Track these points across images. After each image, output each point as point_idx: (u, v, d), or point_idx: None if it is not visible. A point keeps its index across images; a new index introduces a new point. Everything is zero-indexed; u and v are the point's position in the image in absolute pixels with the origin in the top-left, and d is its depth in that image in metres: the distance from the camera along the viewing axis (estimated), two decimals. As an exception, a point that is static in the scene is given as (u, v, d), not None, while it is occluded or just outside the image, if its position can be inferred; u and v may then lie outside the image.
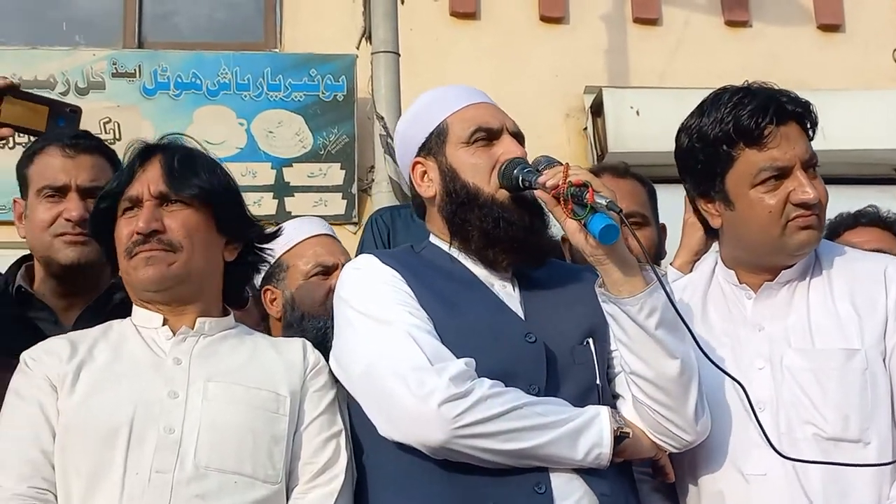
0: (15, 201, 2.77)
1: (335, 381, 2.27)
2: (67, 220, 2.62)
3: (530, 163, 2.19)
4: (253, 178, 6.70)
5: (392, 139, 5.27)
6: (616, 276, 2.05)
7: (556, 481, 2.04)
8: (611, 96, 7.09)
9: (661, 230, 3.13)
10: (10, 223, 2.80)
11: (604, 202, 1.98)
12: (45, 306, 2.68)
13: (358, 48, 6.19)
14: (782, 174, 2.24)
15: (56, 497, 2.05)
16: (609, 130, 6.98)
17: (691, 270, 2.78)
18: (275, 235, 2.49)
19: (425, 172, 2.31)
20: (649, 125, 6.87)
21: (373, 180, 6.45)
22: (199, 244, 2.23)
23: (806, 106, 2.30)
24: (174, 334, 2.22)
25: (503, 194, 2.19)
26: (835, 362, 2.19)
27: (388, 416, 2.08)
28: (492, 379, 2.05)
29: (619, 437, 2.07)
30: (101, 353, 2.19)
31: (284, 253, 2.80)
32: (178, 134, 2.40)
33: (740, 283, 2.37)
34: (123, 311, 2.46)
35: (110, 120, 6.78)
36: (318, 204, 6.89)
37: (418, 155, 2.32)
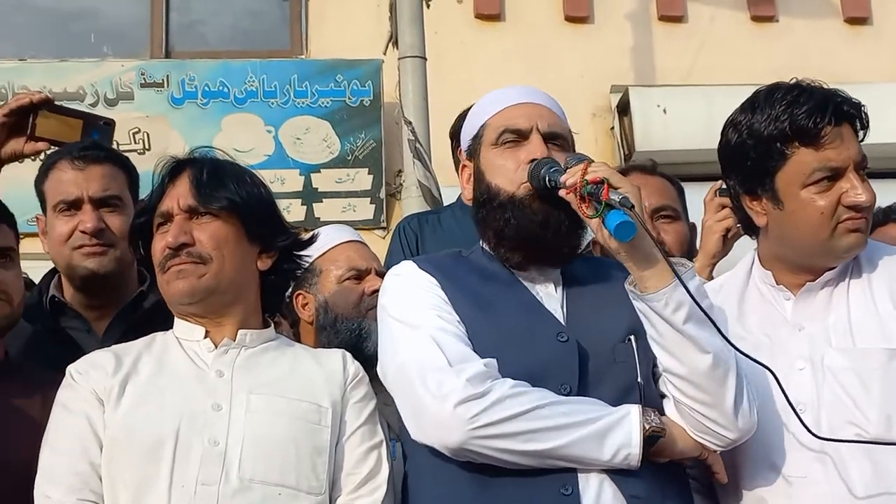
0: (37, 218, 2.81)
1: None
2: (83, 232, 2.65)
3: (561, 162, 2.18)
4: (281, 184, 6.74)
5: (421, 143, 5.29)
6: (641, 272, 2.04)
7: (585, 483, 2.01)
8: (637, 95, 7.08)
9: (692, 229, 3.12)
10: (37, 234, 2.83)
11: (617, 199, 1.97)
12: (77, 315, 2.71)
13: (385, 53, 6.21)
14: (835, 175, 2.20)
15: None
16: (636, 129, 6.97)
17: (710, 276, 2.76)
18: (310, 242, 2.50)
19: (470, 175, 2.34)
20: (676, 123, 6.86)
21: (401, 184, 6.46)
22: (230, 255, 2.24)
23: (858, 107, 2.26)
24: (216, 346, 2.24)
25: (524, 191, 2.17)
26: (877, 362, 2.16)
27: (413, 418, 2.09)
28: (523, 379, 2.05)
29: (653, 437, 2.03)
30: (145, 366, 2.21)
31: (317, 258, 2.82)
32: (208, 147, 2.42)
33: (777, 283, 2.35)
34: (153, 317, 2.51)
35: (139, 130, 6.84)
36: (346, 209, 6.91)
37: (466, 158, 2.37)
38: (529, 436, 1.99)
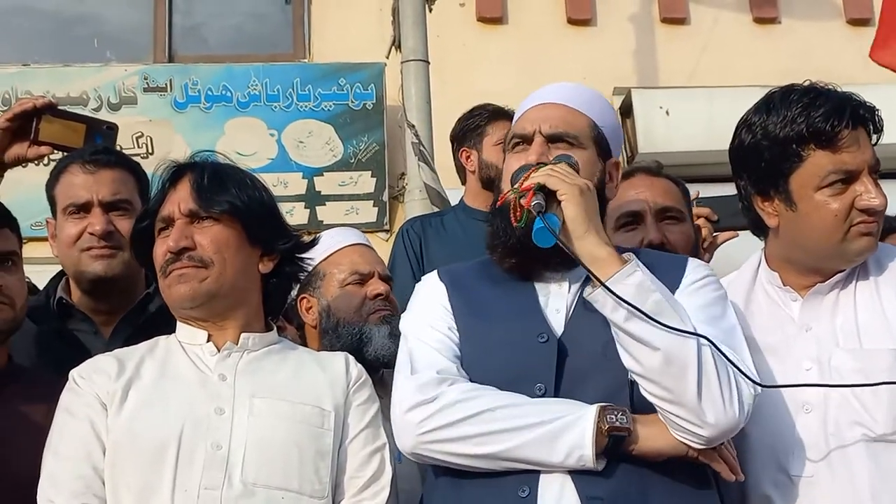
0: (47, 221, 2.81)
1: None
2: (92, 234, 2.65)
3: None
4: (284, 188, 6.74)
5: (424, 146, 5.29)
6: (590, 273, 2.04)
7: (545, 484, 2.00)
8: (640, 97, 7.08)
9: (697, 230, 3.11)
10: (45, 239, 2.84)
11: (534, 208, 2.00)
12: (85, 317, 2.72)
13: (387, 57, 6.21)
14: (849, 178, 2.20)
15: None
16: (639, 131, 6.97)
17: None
18: (311, 245, 2.50)
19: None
20: (679, 125, 6.86)
21: (404, 187, 6.47)
22: (231, 259, 2.24)
23: (873, 111, 2.26)
24: (218, 350, 2.24)
25: (511, 198, 2.16)
26: (884, 363, 2.15)
27: None
28: (501, 381, 2.07)
29: (617, 438, 1.98)
30: (147, 370, 2.21)
31: (321, 262, 2.82)
32: (210, 151, 2.42)
33: (784, 285, 2.34)
34: (158, 320, 2.51)
35: (143, 134, 6.85)
36: (349, 212, 6.92)
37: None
38: (479, 439, 2.01)
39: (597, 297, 2.01)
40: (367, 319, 2.79)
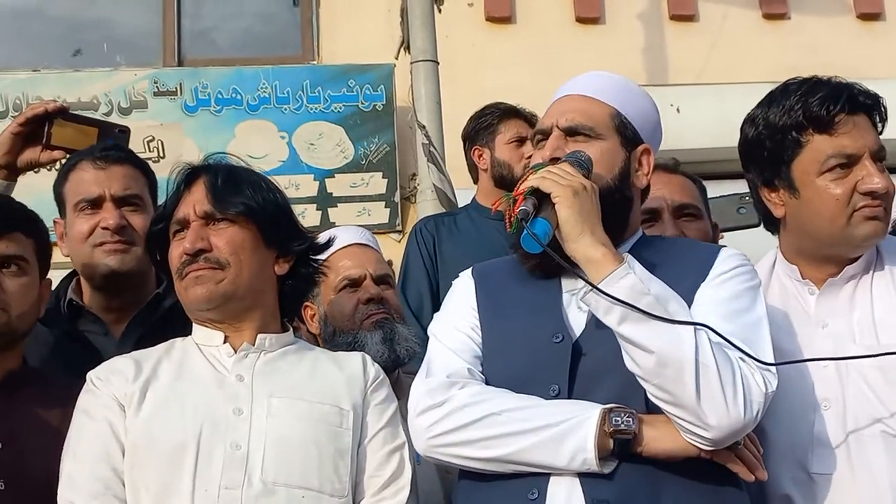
0: (55, 222, 2.78)
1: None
2: (105, 228, 2.64)
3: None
4: (296, 190, 6.74)
5: (435, 147, 5.29)
6: (587, 276, 2.01)
7: (554, 486, 2.00)
8: (650, 94, 7.05)
9: (714, 227, 3.11)
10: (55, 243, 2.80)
11: (519, 213, 1.99)
12: (96, 318, 2.71)
13: (397, 58, 6.21)
14: (850, 162, 2.21)
15: None
16: (650, 129, 6.95)
17: None
18: (327, 246, 2.50)
19: None
20: (689, 122, 6.83)
21: (415, 188, 6.47)
22: (247, 260, 2.25)
23: (876, 98, 2.28)
24: (235, 351, 2.25)
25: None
26: None
27: None
28: (513, 381, 2.08)
29: (623, 441, 1.96)
30: (165, 372, 2.22)
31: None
32: (222, 153, 2.42)
33: (803, 278, 2.34)
34: (169, 320, 2.52)
35: (153, 138, 6.85)
36: (361, 213, 6.91)
37: None
38: (486, 443, 2.02)
39: (590, 300, 2.00)
40: (360, 325, 2.76)
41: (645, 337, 1.94)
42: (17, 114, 2.80)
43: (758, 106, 2.34)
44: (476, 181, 4.14)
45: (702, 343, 1.95)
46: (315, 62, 7.39)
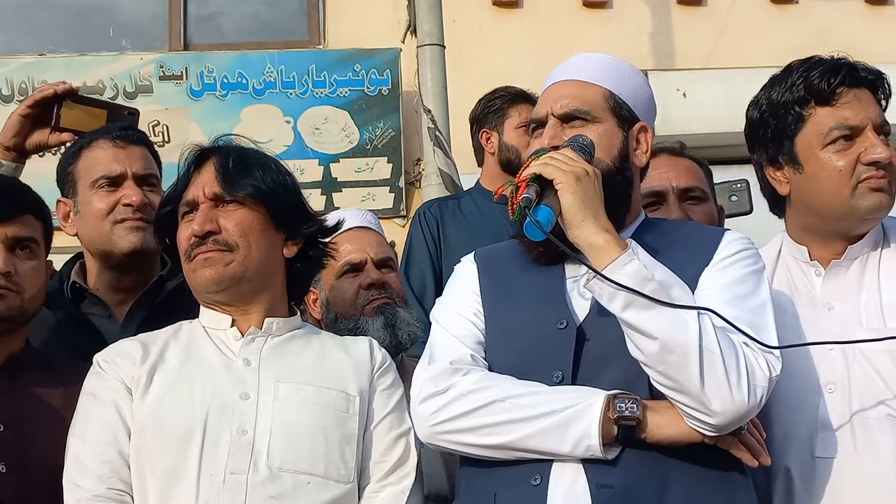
0: (60, 202, 2.75)
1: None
2: (127, 205, 2.62)
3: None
4: (301, 174, 6.70)
5: (440, 131, 5.28)
6: (591, 262, 2.00)
7: (557, 472, 2.00)
8: (657, 79, 7.02)
9: (720, 211, 3.10)
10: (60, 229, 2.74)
11: (521, 200, 1.98)
12: (99, 300, 2.70)
13: (403, 42, 6.20)
14: (853, 134, 2.22)
15: (133, 498, 2.08)
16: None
17: None
18: (336, 229, 2.49)
19: None
20: (696, 107, 6.83)
21: (420, 173, 6.46)
22: (256, 242, 2.23)
23: (879, 75, 2.29)
24: (242, 335, 2.24)
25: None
26: None
27: None
28: (517, 367, 2.07)
29: (627, 427, 1.96)
30: (172, 356, 2.22)
31: None
32: (232, 135, 2.41)
33: (811, 259, 2.33)
34: (172, 303, 2.53)
35: (159, 123, 6.86)
36: (366, 198, 6.92)
37: None
38: (489, 429, 2.01)
39: (594, 286, 1.99)
40: (362, 311, 2.75)
41: (649, 323, 1.94)
42: (23, 98, 2.80)
43: (761, 89, 2.35)
44: (481, 164, 4.13)
45: (706, 328, 1.94)
46: (321, 46, 7.39)
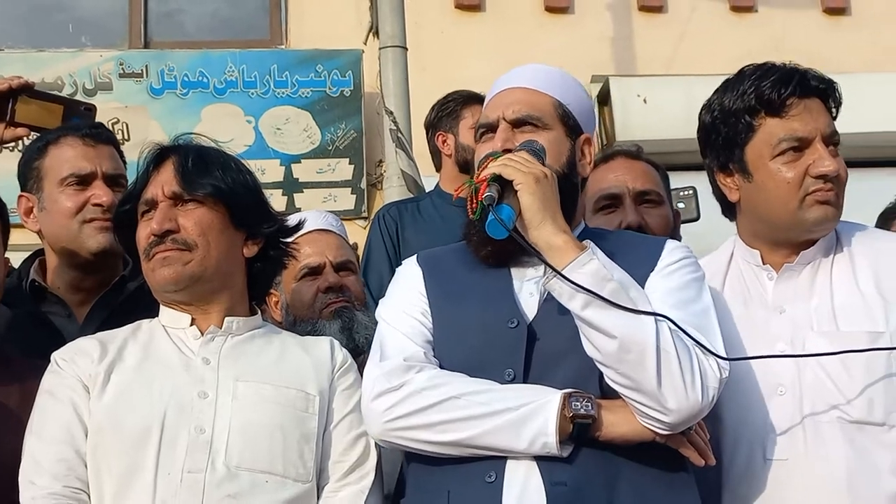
0: (22, 196, 2.72)
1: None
2: (97, 205, 2.61)
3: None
4: (262, 175, 6.59)
5: (402, 133, 5.28)
6: (550, 262, 2.03)
7: (511, 469, 2.02)
8: (617, 85, 7.08)
9: (676, 215, 3.13)
10: (21, 226, 2.73)
11: (484, 198, 2.00)
12: (58, 300, 2.68)
13: (365, 43, 6.19)
14: (802, 146, 2.25)
15: (89, 497, 2.07)
16: (616, 119, 6.98)
17: None
18: (297, 229, 2.49)
19: None
20: (656, 113, 6.87)
21: (382, 175, 6.47)
22: (215, 242, 2.23)
23: (830, 84, 2.31)
24: (202, 334, 2.24)
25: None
26: (860, 345, 2.17)
27: None
28: (468, 367, 2.09)
29: (582, 425, 1.99)
30: (130, 354, 2.21)
31: None
32: (192, 133, 2.40)
33: (763, 263, 2.36)
34: (133, 303, 2.51)
35: (118, 120, 6.79)
36: (327, 199, 6.90)
37: None
38: (445, 426, 2.03)
39: (553, 285, 2.01)
40: (319, 314, 2.76)
41: (609, 322, 1.97)
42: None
43: (714, 92, 2.38)
44: (439, 168, 4.15)
45: (662, 329, 1.99)
46: (283, 46, 7.37)
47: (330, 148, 7.01)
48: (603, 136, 7.15)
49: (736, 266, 2.41)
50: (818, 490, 2.14)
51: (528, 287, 2.19)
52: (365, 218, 6.82)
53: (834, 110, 2.32)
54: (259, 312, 2.39)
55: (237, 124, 6.93)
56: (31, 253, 2.79)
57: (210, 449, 2.07)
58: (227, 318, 2.26)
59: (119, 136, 6.60)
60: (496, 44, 7.18)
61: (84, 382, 2.15)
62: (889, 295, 2.21)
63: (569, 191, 2.19)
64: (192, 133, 2.41)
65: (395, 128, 5.29)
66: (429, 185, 4.58)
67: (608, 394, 2.05)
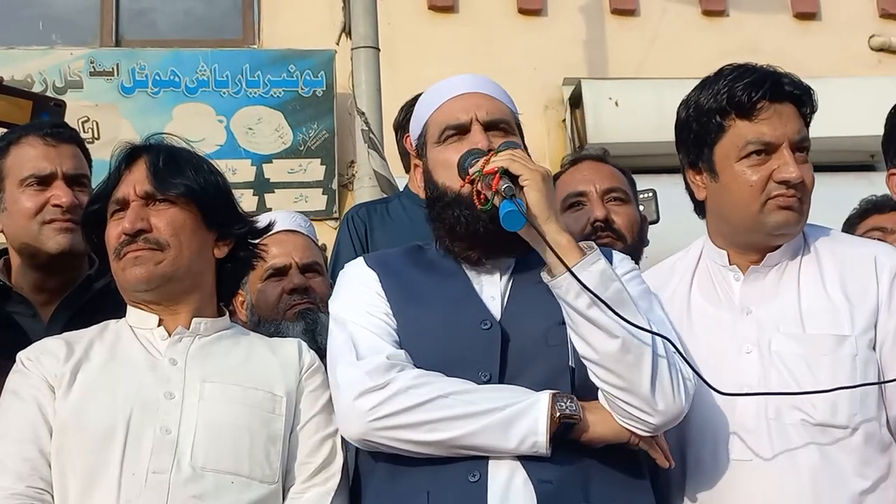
0: None
1: None
2: (56, 206, 2.59)
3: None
4: (233, 174, 6.69)
5: (374, 134, 5.28)
6: (551, 259, 2.05)
7: (494, 469, 2.02)
8: (589, 87, 7.11)
9: (643, 220, 3.16)
10: None
11: (503, 188, 2.01)
12: (23, 299, 2.65)
13: (338, 44, 6.19)
14: (769, 150, 2.26)
15: (53, 497, 2.05)
16: (588, 121, 7.01)
17: None
18: (266, 231, 2.49)
19: (422, 174, 2.34)
20: (628, 116, 6.90)
21: (353, 175, 6.45)
22: (187, 242, 2.23)
23: (806, 90, 2.32)
24: (169, 335, 2.23)
25: (468, 189, 2.17)
26: (826, 348, 2.19)
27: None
28: (443, 368, 2.08)
29: (567, 423, 2.02)
30: (96, 354, 2.19)
31: None
32: (164, 133, 2.40)
33: (731, 263, 2.37)
34: (99, 304, 2.49)
35: (89, 119, 6.76)
36: (298, 200, 6.89)
37: (416, 157, 2.38)
38: (431, 426, 2.02)
39: (560, 283, 2.03)
40: (283, 315, 2.76)
41: (613, 322, 2.00)
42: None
43: (693, 89, 2.39)
44: (408, 170, 4.14)
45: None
46: (255, 46, 7.35)
47: (302, 148, 7.00)
48: (575, 139, 7.18)
49: (704, 265, 2.43)
50: (782, 491, 2.15)
51: (488, 290, 2.21)
52: (336, 219, 6.81)
53: (808, 117, 2.33)
54: (227, 313, 2.38)
55: (209, 124, 6.91)
56: None
57: (176, 449, 2.06)
58: (194, 319, 2.25)
59: (89, 135, 6.63)
60: (469, 45, 7.19)
61: (49, 382, 2.13)
62: (854, 298, 2.23)
63: None
64: (163, 133, 2.41)
65: (366, 128, 5.29)
66: (402, 185, 4.58)
67: (578, 396, 2.07)
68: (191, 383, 2.15)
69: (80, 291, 2.67)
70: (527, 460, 2.02)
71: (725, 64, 2.36)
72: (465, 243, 2.22)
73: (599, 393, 2.08)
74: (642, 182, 3.39)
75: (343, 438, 2.21)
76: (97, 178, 2.43)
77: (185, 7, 7.64)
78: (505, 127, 2.26)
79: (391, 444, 2.05)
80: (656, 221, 3.57)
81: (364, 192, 5.44)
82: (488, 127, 2.24)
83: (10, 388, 2.16)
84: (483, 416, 2.01)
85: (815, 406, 2.17)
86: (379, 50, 5.67)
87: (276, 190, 6.93)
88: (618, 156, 3.60)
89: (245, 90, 7.03)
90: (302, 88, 7.06)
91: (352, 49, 5.70)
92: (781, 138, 2.25)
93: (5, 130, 2.75)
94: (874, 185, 2.85)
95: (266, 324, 2.75)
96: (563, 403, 2.02)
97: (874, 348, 2.21)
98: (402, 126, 4.11)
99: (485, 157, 2.12)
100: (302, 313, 2.76)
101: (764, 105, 2.25)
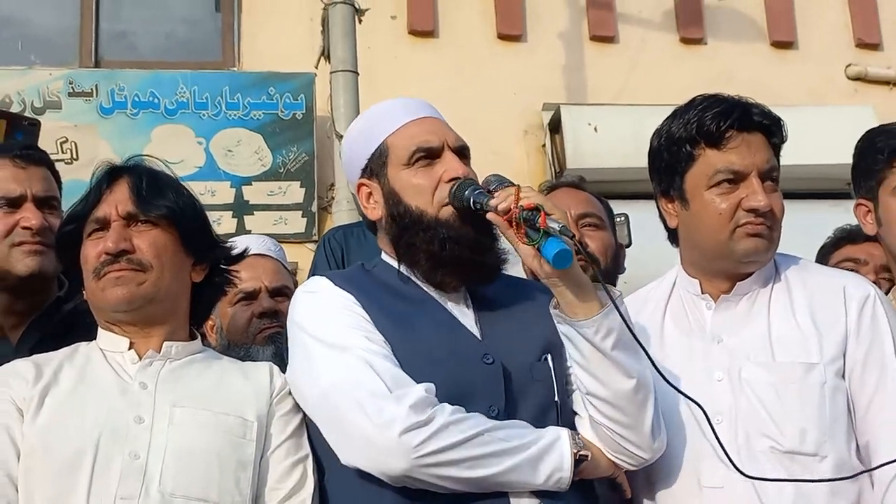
0: None
1: None
2: (26, 228, 2.57)
3: (480, 183, 2.19)
4: (212, 196, 6.68)
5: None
6: (571, 298, 2.06)
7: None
8: (568, 113, 7.14)
9: (619, 247, 3.18)
10: None
11: (557, 226, 1.98)
12: None
13: (317, 67, 6.20)
14: (737, 179, 2.29)
15: None
16: (567, 147, 7.03)
17: None
18: (242, 257, 2.48)
19: (370, 194, 2.28)
20: (607, 141, 6.93)
21: (332, 198, 6.46)
22: (168, 264, 2.22)
23: (776, 120, 2.35)
24: (140, 358, 2.21)
25: (447, 213, 2.16)
26: (795, 375, 2.21)
27: (347, 444, 2.05)
28: (452, 401, 2.04)
29: (579, 460, 2.07)
30: (66, 377, 2.17)
31: None
32: (143, 155, 2.39)
33: (703, 292, 2.39)
34: (69, 325, 2.47)
35: (67, 140, 6.73)
36: (277, 222, 6.87)
37: (362, 176, 2.29)
38: (472, 462, 1.99)
39: (591, 323, 2.03)
40: (253, 339, 2.76)
41: (631, 362, 2.06)
42: (-76, 110, 2.74)
43: (666, 119, 2.42)
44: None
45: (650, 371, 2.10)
46: (235, 68, 7.35)
47: (281, 170, 7.00)
48: (554, 163, 7.20)
49: (678, 295, 2.45)
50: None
51: (463, 320, 2.20)
52: (315, 241, 6.80)
53: (777, 147, 2.36)
54: (199, 337, 2.37)
55: (188, 145, 6.89)
56: None
57: (144, 475, 2.03)
58: (165, 343, 2.23)
59: (68, 156, 6.61)
60: (449, 70, 7.22)
61: (18, 405, 2.10)
62: (823, 327, 2.25)
63: (487, 224, 2.16)
64: (143, 155, 2.40)
65: (346, 152, 5.29)
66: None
67: None
68: (161, 408, 2.13)
69: (49, 314, 2.65)
70: (544, 496, 2.04)
71: (700, 93, 2.39)
72: (446, 269, 2.19)
73: (584, 428, 2.14)
74: (620, 207, 3.41)
75: (311, 464, 2.18)
76: (76, 198, 2.42)
77: (165, 29, 7.63)
78: (468, 154, 2.27)
79: (433, 480, 1.99)
80: (629, 245, 3.60)
81: (342, 214, 5.44)
82: (456, 153, 2.23)
83: None
84: (516, 454, 2.01)
85: (783, 433, 2.18)
86: (357, 74, 5.70)
87: (255, 212, 6.92)
88: (596, 181, 3.62)
89: (225, 112, 7.02)
90: (282, 111, 7.06)
91: (331, 73, 5.72)
92: (750, 167, 2.28)
93: None
94: (849, 212, 2.86)
95: (236, 347, 2.74)
96: (576, 440, 2.08)
97: (843, 377, 2.23)
98: None
99: (511, 192, 2.06)
100: (272, 337, 2.76)
101: (732, 134, 2.29)
